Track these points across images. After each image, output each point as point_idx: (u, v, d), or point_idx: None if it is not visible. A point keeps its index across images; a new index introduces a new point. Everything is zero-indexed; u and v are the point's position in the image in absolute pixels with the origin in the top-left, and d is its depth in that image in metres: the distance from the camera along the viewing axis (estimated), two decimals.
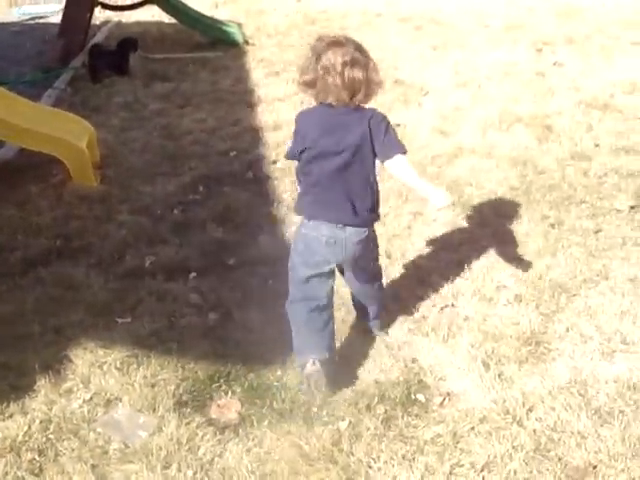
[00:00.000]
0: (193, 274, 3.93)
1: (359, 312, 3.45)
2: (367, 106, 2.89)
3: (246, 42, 8.92)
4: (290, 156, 3.03)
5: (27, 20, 11.73)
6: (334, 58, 2.79)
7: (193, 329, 3.46)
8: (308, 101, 6.40)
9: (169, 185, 5.01)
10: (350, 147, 2.83)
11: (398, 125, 5.66)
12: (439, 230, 4.25)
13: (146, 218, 4.57)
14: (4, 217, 4.64)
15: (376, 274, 3.29)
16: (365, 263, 3.11)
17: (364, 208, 2.93)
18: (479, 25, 9.41)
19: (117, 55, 7.84)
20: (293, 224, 4.36)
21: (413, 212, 4.45)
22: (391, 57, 7.89)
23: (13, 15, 12.02)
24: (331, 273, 3.04)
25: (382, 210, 4.36)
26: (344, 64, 2.78)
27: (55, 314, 3.62)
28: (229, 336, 3.39)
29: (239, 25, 9.60)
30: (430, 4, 10.99)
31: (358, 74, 2.79)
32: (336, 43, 2.83)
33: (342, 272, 3.19)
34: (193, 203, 4.76)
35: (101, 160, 5.38)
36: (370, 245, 3.06)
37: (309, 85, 2.90)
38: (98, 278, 3.93)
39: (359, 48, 2.87)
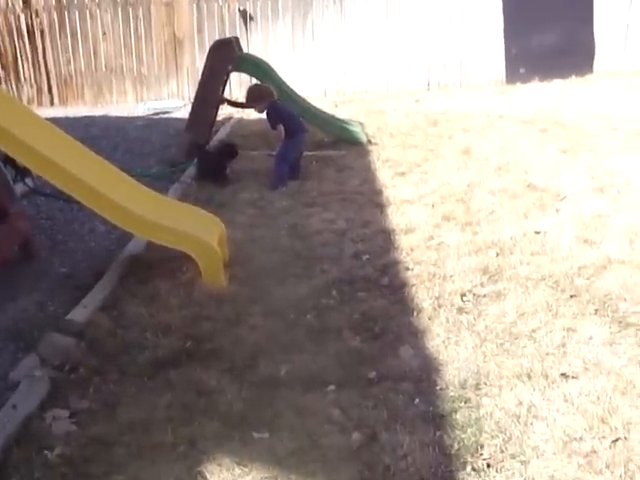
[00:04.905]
0: (332, 387, 3.66)
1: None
2: None
3: (369, 141, 8.86)
4: None
5: (152, 115, 12.10)
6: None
7: (336, 450, 3.17)
8: (440, 203, 6.26)
9: (301, 287, 4.81)
10: None
11: (538, 232, 5.43)
12: (597, 350, 3.88)
13: (279, 322, 4.36)
14: (133, 314, 4.52)
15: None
16: None
17: None
18: (607, 128, 9.09)
19: (216, 163, 7.66)
20: (436, 336, 4.11)
21: (566, 328, 4.10)
22: (520, 160, 7.66)
23: (139, 110, 12.44)
24: None
25: (531, 324, 4.15)
26: None
27: (188, 423, 3.41)
28: (377, 460, 3.09)
29: (361, 124, 9.57)
30: (552, 106, 10.82)
31: None
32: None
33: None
34: (327, 308, 4.53)
35: (230, 258, 5.26)
36: None
37: None
38: (231, 385, 3.71)
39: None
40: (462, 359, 3.88)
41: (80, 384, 3.81)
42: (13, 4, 13.38)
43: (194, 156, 7.97)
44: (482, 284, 4.72)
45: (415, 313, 4.40)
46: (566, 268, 4.88)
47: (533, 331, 4.11)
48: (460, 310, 4.41)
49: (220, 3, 13.26)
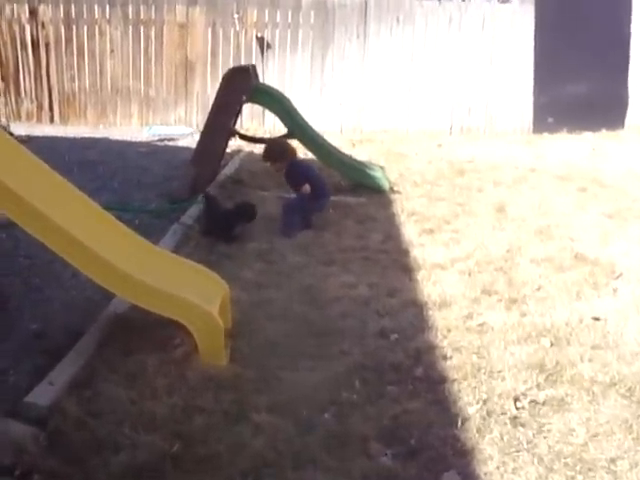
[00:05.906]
0: None
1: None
2: None
3: (391, 189, 8.04)
4: None
5: (156, 141, 11.32)
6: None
7: None
8: (477, 271, 5.45)
9: (316, 373, 3.94)
10: None
11: (597, 319, 4.61)
12: None
13: (289, 421, 3.48)
14: (110, 397, 3.65)
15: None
16: None
17: None
18: None
19: (225, 222, 6.41)
20: (488, 458, 3.25)
21: None
22: (562, 224, 6.87)
23: (143, 134, 11.65)
24: None
25: (608, 451, 3.28)
26: None
27: None
28: None
29: (382, 169, 8.77)
30: (586, 162, 10.09)
31: None
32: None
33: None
34: (349, 405, 3.66)
35: (233, 326, 4.41)
36: None
37: None
38: None
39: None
40: None
41: None
42: (19, 14, 12.64)
43: (198, 192, 7.11)
44: (538, 385, 3.87)
45: (460, 422, 3.53)
46: (638, 370, 4.03)
47: (612, 461, 3.25)
48: (515, 421, 3.55)
49: (237, 28, 12.52)
